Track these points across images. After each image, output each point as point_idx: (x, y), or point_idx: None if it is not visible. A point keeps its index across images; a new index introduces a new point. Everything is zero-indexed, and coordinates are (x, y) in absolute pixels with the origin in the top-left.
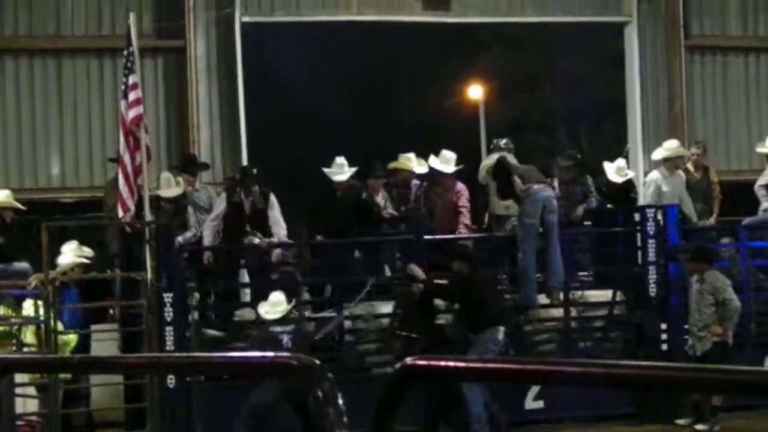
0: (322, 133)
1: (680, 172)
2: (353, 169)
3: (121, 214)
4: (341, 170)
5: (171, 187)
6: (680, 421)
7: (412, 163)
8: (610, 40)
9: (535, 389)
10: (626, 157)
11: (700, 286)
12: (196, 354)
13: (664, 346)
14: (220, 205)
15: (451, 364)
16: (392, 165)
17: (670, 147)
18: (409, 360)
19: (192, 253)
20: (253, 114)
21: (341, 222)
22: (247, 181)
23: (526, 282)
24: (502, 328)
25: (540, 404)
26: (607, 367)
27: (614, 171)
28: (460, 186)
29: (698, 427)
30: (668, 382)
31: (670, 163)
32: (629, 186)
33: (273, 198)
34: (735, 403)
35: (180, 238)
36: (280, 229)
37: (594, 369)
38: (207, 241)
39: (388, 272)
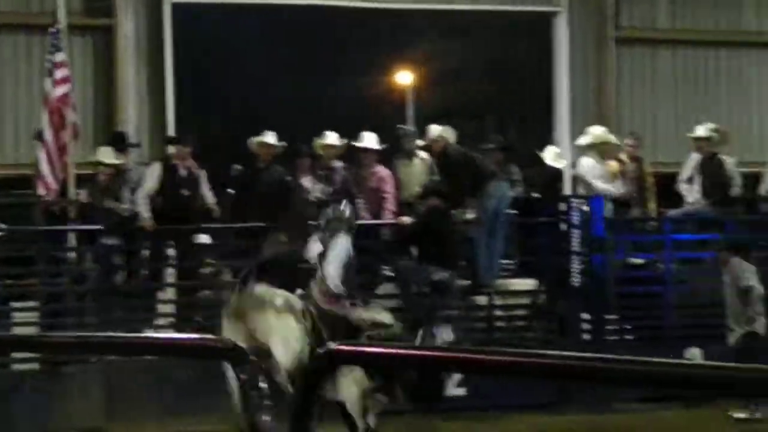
0: (254, 116)
1: (613, 163)
2: (282, 144)
3: (42, 192)
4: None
5: (110, 158)
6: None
7: (329, 139)
8: (540, 30)
9: (457, 377)
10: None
11: (727, 276)
12: (123, 335)
13: (586, 336)
14: (151, 177)
15: (374, 349)
16: (316, 144)
17: (595, 133)
18: (331, 345)
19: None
20: (183, 96)
21: (265, 205)
22: (183, 147)
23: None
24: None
25: (462, 391)
26: (530, 357)
27: (552, 157)
28: (384, 171)
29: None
30: (586, 372)
31: (595, 150)
32: (558, 176)
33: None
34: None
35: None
36: (210, 200)
37: (516, 358)
38: (144, 216)
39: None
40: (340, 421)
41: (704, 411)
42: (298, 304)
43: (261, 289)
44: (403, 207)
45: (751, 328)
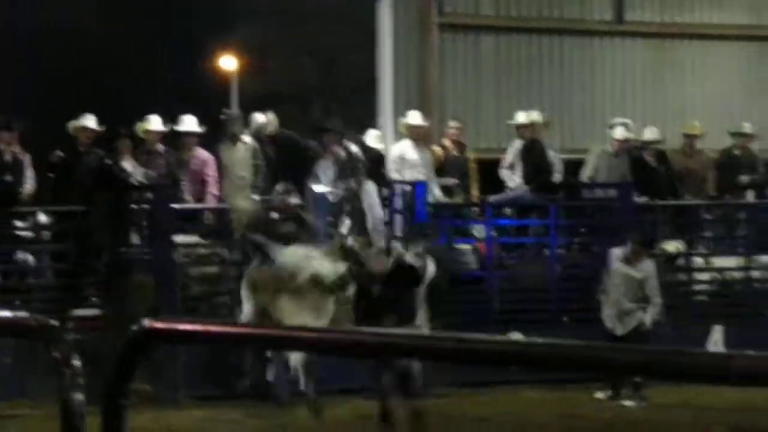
0: (77, 99)
1: (436, 148)
2: (102, 127)
3: None
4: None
5: None
6: (599, 395)
7: (152, 124)
8: (365, 14)
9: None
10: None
11: (624, 267)
12: None
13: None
14: None
15: (189, 327)
16: (138, 127)
17: (411, 117)
18: (147, 322)
19: None
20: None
21: (84, 189)
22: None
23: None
24: None
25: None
26: (345, 334)
27: (374, 138)
28: (206, 155)
29: (626, 402)
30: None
31: (410, 133)
32: (381, 159)
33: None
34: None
35: None
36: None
37: (328, 335)
38: None
39: (136, 241)
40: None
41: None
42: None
43: (287, 260)
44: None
45: (642, 320)
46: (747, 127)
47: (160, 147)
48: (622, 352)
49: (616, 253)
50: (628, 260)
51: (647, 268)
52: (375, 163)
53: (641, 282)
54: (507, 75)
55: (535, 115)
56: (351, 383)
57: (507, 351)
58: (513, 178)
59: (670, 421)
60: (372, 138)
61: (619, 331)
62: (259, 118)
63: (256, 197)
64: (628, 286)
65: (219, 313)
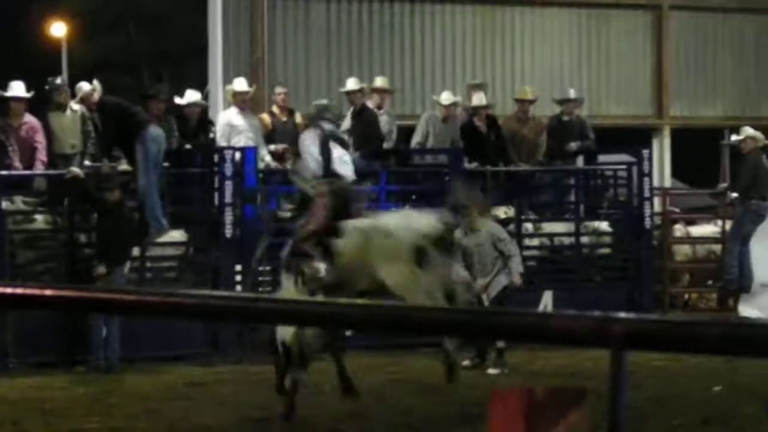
0: None
1: (264, 115)
2: None
3: None
4: None
5: None
6: (465, 362)
7: None
8: None
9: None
10: (206, 99)
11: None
12: None
13: (239, 287)
14: None
15: (18, 291)
16: None
17: (236, 84)
18: None
19: None
20: None
21: None
22: None
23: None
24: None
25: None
26: (164, 296)
27: (192, 97)
28: (34, 121)
29: (490, 370)
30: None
31: (236, 100)
32: (205, 123)
33: None
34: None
35: None
36: None
37: (150, 298)
38: None
39: None
40: None
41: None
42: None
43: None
44: (58, 158)
45: (504, 284)
46: (572, 93)
47: None
48: (438, 312)
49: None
50: (465, 232)
51: (483, 233)
52: (200, 126)
53: (482, 248)
54: (337, 41)
55: (379, 81)
56: (182, 348)
57: (327, 312)
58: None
59: (504, 383)
60: (191, 98)
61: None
62: (85, 86)
63: (87, 163)
64: (472, 259)
65: (46, 279)
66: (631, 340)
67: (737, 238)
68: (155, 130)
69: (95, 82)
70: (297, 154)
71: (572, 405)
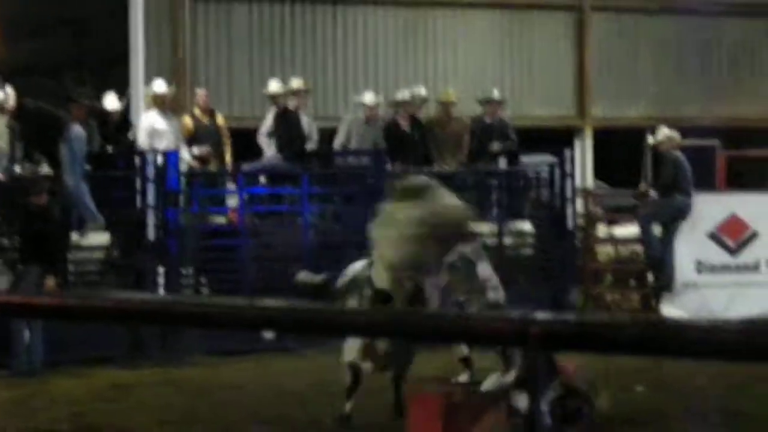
0: None
1: (186, 117)
2: None
3: None
4: None
5: None
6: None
7: None
8: None
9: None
10: (127, 101)
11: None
12: None
13: (161, 290)
14: None
15: None
16: None
17: (156, 86)
18: None
19: None
20: None
21: None
22: None
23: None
24: None
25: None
26: (84, 299)
27: (112, 101)
28: None
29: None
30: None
31: (156, 102)
32: (126, 125)
33: None
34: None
35: None
36: None
37: (71, 301)
38: None
39: None
40: None
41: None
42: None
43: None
44: None
45: None
46: (496, 94)
47: None
48: (359, 314)
49: None
50: None
51: None
52: (117, 128)
53: None
54: (259, 43)
55: (296, 83)
56: (106, 351)
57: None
58: (271, 145)
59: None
60: (109, 101)
61: None
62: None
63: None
64: None
65: None
66: (549, 341)
67: (664, 236)
68: (78, 130)
69: (8, 88)
70: (219, 157)
71: (490, 406)
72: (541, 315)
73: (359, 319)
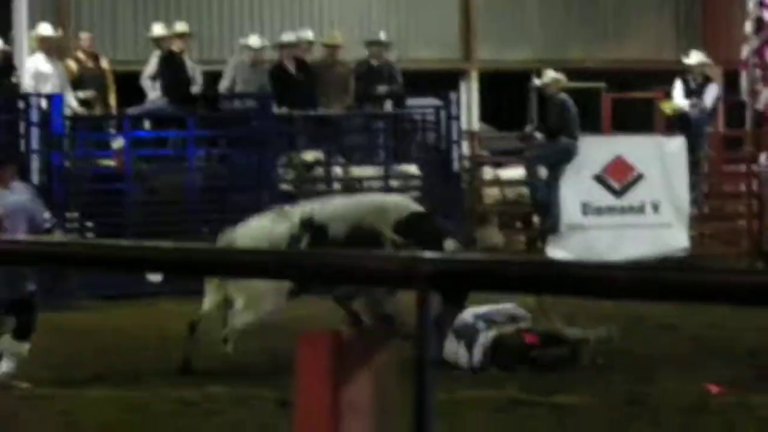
0: None
1: (70, 61)
2: None
3: None
4: None
5: None
6: None
7: None
8: None
9: None
10: (10, 44)
11: None
12: None
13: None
14: None
15: None
16: None
17: (41, 29)
18: None
19: None
20: None
21: None
22: None
23: None
24: None
25: None
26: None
27: None
28: None
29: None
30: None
31: (41, 46)
32: (9, 68)
33: None
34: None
35: None
36: None
37: None
38: None
39: None
40: None
41: None
42: None
43: None
44: None
45: None
46: (381, 36)
47: None
48: (246, 254)
49: None
50: None
51: None
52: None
53: None
54: None
55: (180, 26)
56: None
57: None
58: (155, 89)
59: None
60: None
61: None
62: None
63: None
64: None
65: None
66: (439, 280)
67: (550, 178)
68: None
69: None
70: (104, 101)
71: (379, 346)
72: (429, 254)
73: (244, 258)
